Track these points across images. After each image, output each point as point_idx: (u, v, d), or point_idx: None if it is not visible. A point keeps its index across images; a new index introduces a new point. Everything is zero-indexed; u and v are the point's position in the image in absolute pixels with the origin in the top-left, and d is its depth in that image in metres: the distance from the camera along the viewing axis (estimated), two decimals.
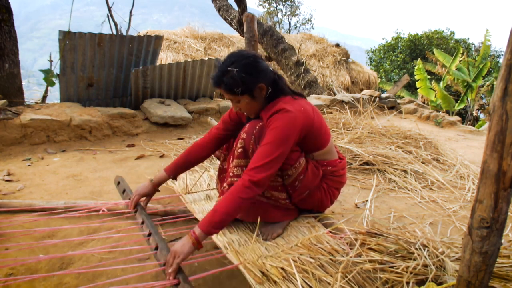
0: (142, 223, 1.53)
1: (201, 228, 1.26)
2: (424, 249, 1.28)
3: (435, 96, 10.16)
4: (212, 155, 1.84)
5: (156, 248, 1.35)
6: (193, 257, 1.51)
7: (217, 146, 1.71)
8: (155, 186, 1.68)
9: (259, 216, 1.46)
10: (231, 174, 1.50)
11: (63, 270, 1.40)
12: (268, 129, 1.37)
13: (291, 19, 19.69)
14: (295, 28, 19.79)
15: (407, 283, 1.16)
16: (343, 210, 2.03)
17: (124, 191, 1.82)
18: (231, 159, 1.52)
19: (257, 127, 1.43)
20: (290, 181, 1.49)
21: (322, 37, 10.36)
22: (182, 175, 2.08)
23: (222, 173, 1.70)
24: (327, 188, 1.60)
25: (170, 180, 1.72)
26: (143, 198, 1.68)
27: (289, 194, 1.54)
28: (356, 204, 2.13)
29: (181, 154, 1.71)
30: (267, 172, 1.32)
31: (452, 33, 16.43)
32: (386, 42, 16.88)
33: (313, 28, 20.43)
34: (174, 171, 1.68)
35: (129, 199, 1.69)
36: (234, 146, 1.51)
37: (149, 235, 1.44)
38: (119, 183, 1.92)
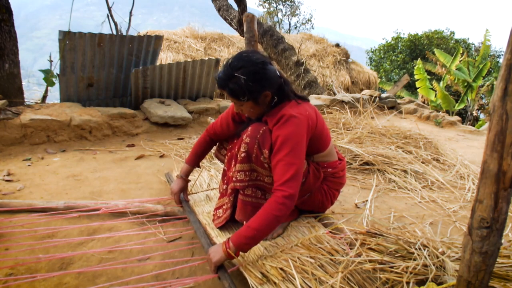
0: (188, 220, 1.72)
1: (232, 241, 1.27)
2: (424, 249, 1.28)
3: (435, 96, 10.16)
4: (213, 156, 1.86)
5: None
6: (193, 258, 1.52)
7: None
8: (185, 178, 1.82)
9: None
10: (234, 179, 1.49)
11: (63, 270, 1.40)
12: (278, 138, 1.36)
13: (291, 19, 19.70)
14: (295, 28, 19.80)
15: (407, 283, 1.16)
16: (343, 210, 2.03)
17: None
18: (234, 163, 1.50)
19: (260, 131, 1.41)
20: None
21: (322, 37, 10.35)
22: None
23: (225, 175, 1.69)
24: (327, 189, 1.60)
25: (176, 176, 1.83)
26: (181, 194, 1.85)
27: None
28: (356, 204, 2.13)
29: (196, 143, 1.82)
30: (296, 183, 1.32)
31: (452, 33, 16.43)
32: (386, 42, 16.87)
33: (313, 28, 20.44)
34: (196, 161, 1.82)
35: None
36: (236, 150, 1.49)
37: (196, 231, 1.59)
38: (168, 181, 2.12)
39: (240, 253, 1.34)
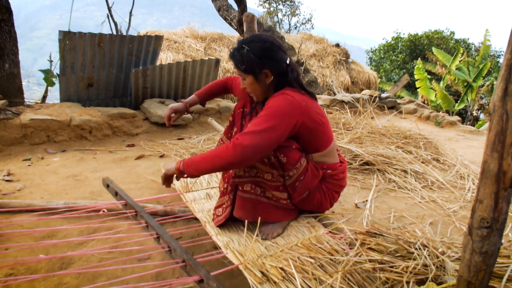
0: (147, 225, 1.53)
1: (183, 161, 1.39)
2: (424, 249, 1.28)
3: (435, 96, 10.15)
4: None
5: (169, 249, 1.35)
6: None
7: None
8: (188, 106, 1.85)
9: (260, 215, 1.46)
10: (233, 175, 1.50)
11: (63, 270, 1.40)
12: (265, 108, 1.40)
13: (291, 19, 19.68)
14: (295, 28, 19.78)
15: (407, 282, 1.16)
16: (343, 210, 2.03)
17: (116, 193, 1.80)
18: None
19: None
20: (291, 181, 1.48)
21: (322, 37, 10.34)
22: None
23: (225, 172, 1.70)
24: (326, 190, 1.60)
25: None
26: (173, 115, 1.85)
27: (290, 194, 1.54)
28: (356, 204, 2.13)
29: (213, 83, 1.89)
30: (254, 140, 1.29)
31: (452, 33, 16.42)
32: (386, 42, 16.87)
33: (313, 28, 20.42)
34: (204, 97, 1.87)
35: (124, 200, 1.70)
36: None
37: (158, 236, 1.43)
38: (108, 185, 1.88)
39: (239, 252, 1.33)
